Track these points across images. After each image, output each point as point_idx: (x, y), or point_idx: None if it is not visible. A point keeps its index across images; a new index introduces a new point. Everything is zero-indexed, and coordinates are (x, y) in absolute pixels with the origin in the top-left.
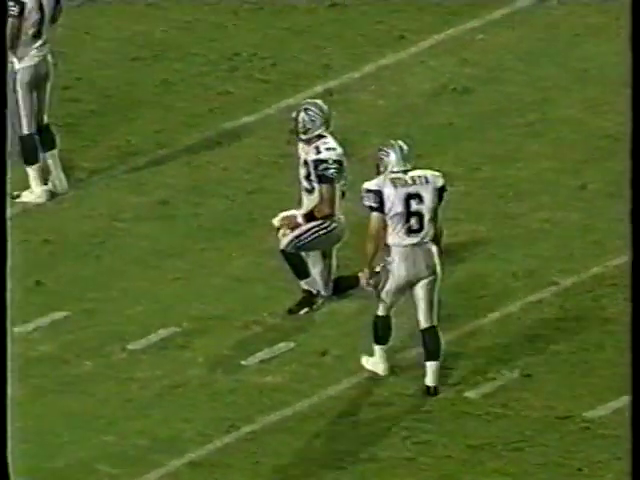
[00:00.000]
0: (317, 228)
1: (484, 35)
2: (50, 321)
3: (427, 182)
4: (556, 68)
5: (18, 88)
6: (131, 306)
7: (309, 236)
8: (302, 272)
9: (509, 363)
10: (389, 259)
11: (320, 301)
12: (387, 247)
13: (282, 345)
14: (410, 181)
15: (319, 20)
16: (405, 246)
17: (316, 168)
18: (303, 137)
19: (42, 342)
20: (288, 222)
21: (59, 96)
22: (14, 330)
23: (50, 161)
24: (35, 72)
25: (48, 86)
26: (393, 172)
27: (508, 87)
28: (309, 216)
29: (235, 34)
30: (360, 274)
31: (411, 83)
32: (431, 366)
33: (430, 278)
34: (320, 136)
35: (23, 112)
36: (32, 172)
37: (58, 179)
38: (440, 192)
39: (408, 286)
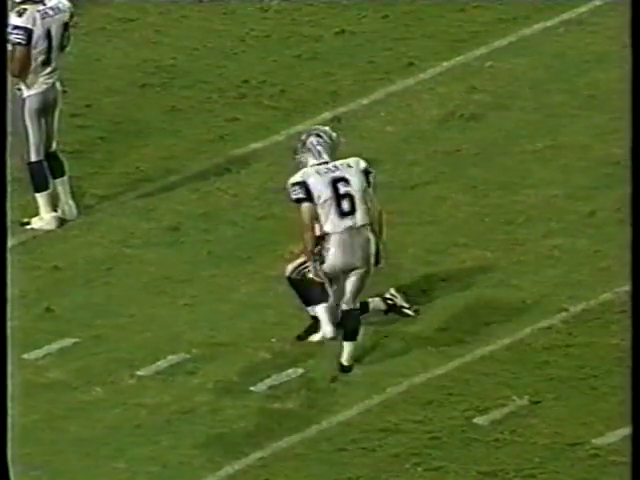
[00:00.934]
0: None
1: (492, 62)
2: (59, 347)
3: (350, 166)
4: (564, 95)
5: (27, 115)
6: (140, 332)
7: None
8: (308, 299)
9: (518, 389)
10: (325, 248)
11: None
12: (323, 238)
13: (291, 371)
14: (333, 168)
15: (327, 47)
16: (342, 232)
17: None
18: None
19: (51, 368)
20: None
21: (68, 123)
22: (23, 357)
23: (60, 188)
24: (44, 99)
25: (57, 113)
26: (314, 165)
27: (516, 114)
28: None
29: (244, 61)
30: (308, 268)
31: (419, 110)
32: (348, 346)
33: (364, 269)
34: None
35: (32, 139)
36: (41, 199)
37: (67, 206)
38: (366, 175)
39: (341, 273)
